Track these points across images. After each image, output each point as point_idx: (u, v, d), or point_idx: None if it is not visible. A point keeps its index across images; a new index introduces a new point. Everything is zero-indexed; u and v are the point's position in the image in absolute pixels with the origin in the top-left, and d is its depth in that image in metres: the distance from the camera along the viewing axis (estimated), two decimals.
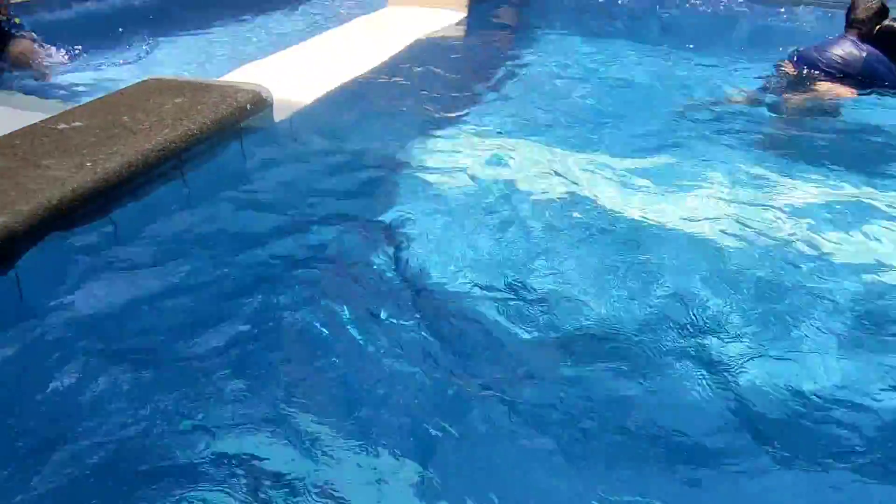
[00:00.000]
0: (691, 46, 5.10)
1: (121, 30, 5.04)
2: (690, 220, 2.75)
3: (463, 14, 5.44)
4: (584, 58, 4.73)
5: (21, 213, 2.06)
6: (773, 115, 3.92)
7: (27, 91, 3.91)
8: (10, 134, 2.60)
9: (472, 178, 2.99)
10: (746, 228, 2.69)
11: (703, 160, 3.26)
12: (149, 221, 2.50)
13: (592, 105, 3.87)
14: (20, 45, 4.08)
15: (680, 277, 2.39)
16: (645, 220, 2.77)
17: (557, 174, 3.07)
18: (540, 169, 3.10)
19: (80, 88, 3.97)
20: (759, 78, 4.27)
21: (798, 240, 2.64)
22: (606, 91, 4.12)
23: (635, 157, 3.28)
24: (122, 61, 4.47)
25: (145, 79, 3.19)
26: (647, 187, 3.01)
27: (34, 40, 4.19)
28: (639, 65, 4.66)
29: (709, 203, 2.88)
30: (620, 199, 2.89)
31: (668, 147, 3.39)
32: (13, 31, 4.16)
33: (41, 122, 2.73)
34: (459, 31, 5.15)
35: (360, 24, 5.06)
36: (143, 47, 4.72)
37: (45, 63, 4.14)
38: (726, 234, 2.67)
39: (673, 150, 3.36)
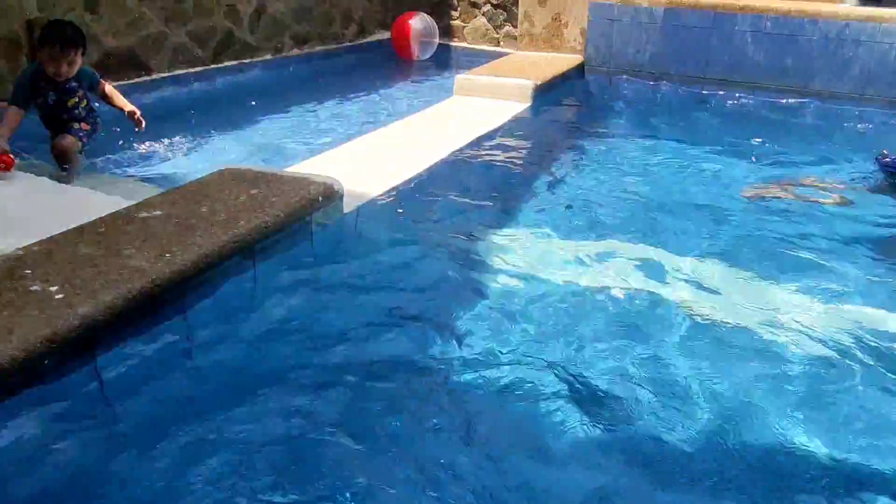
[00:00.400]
0: (759, 142, 5.10)
1: (192, 112, 5.29)
2: (768, 324, 2.72)
3: (527, 104, 5.55)
4: (647, 152, 4.77)
5: (103, 303, 2.14)
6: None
7: (108, 172, 4.12)
8: (95, 220, 2.72)
9: (538, 277, 3.01)
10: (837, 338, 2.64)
11: (779, 261, 3.24)
12: (219, 312, 2.56)
13: (657, 202, 3.86)
14: (68, 141, 3.94)
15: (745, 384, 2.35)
16: (711, 319, 2.75)
17: (621, 274, 3.08)
18: (604, 268, 3.11)
19: (158, 174, 4.15)
20: (855, 181, 4.24)
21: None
22: (671, 187, 4.11)
23: (706, 255, 3.27)
24: (196, 149, 4.67)
25: (221, 169, 3.32)
26: (717, 287, 2.99)
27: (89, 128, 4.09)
28: (705, 159, 4.67)
29: (791, 308, 2.85)
30: (689, 299, 2.87)
31: (740, 246, 3.37)
32: (77, 110, 4.01)
33: (124, 209, 2.85)
34: (523, 123, 5.24)
35: (428, 115, 5.20)
36: (216, 136, 4.92)
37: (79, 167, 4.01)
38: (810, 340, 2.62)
39: (744, 249, 3.35)
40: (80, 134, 4.03)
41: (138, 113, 4.19)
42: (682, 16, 6.38)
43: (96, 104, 4.22)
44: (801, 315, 2.78)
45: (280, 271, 2.83)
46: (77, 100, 4.01)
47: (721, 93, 6.33)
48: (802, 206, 3.90)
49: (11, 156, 3.57)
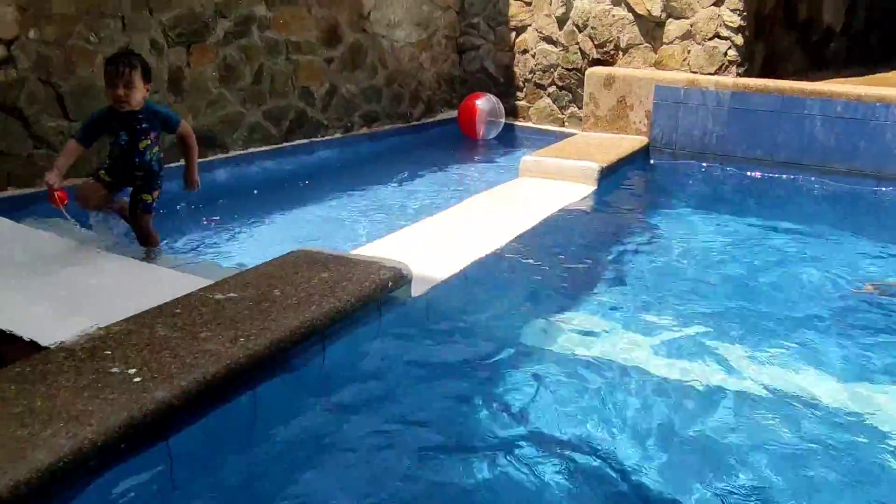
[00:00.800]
0: (834, 227, 4.97)
1: (265, 189, 5.44)
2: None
3: (593, 188, 5.55)
4: (718, 237, 4.70)
5: (179, 388, 2.18)
6: None
7: (183, 250, 4.25)
8: (172, 301, 2.80)
9: (609, 368, 2.97)
10: None
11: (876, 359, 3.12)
12: (288, 397, 2.59)
13: (733, 291, 3.79)
14: (144, 223, 4.02)
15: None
16: (803, 422, 2.66)
17: (692, 363, 3.02)
18: (677, 360, 3.05)
19: (231, 251, 4.27)
20: None
21: None
22: (749, 276, 4.02)
23: (787, 353, 3.16)
24: (268, 225, 4.81)
25: (293, 250, 3.40)
26: (801, 383, 2.90)
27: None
28: (785, 247, 4.56)
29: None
30: (766, 395, 2.79)
31: (825, 341, 3.26)
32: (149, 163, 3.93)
33: (200, 290, 2.93)
34: (590, 206, 5.25)
35: (494, 196, 5.25)
36: (288, 213, 5.06)
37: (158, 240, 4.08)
38: None
39: (831, 345, 3.23)
40: (151, 207, 4.03)
41: (198, 182, 4.17)
42: (749, 99, 6.37)
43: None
44: None
45: (348, 355, 2.85)
46: (149, 142, 3.91)
47: (790, 176, 6.25)
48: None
49: (65, 192, 3.60)
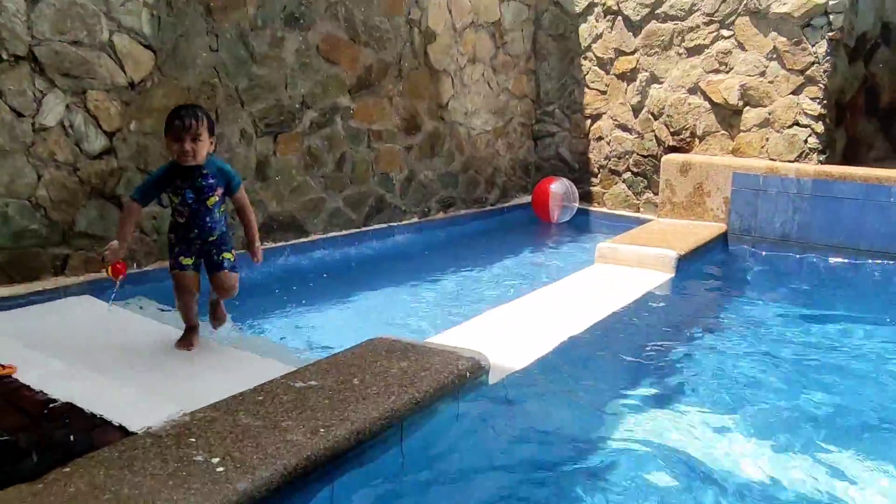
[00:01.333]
0: None
1: (343, 273, 5.55)
2: None
3: (670, 276, 5.48)
4: (802, 330, 4.57)
5: (262, 479, 2.21)
6: None
7: (261, 334, 4.35)
8: (254, 389, 2.86)
9: (686, 463, 2.89)
10: None
11: None
12: (366, 485, 2.59)
13: (814, 388, 3.66)
14: (233, 280, 3.74)
15: None
16: None
17: (777, 466, 2.90)
18: (760, 460, 2.94)
19: (309, 336, 4.34)
20: None
21: None
22: (832, 374, 3.87)
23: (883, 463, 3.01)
24: (345, 310, 4.89)
25: (372, 338, 3.44)
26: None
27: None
28: (873, 341, 4.39)
29: None
30: None
31: None
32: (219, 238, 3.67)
33: (281, 377, 2.98)
34: (668, 295, 5.17)
35: (570, 283, 5.23)
36: (365, 297, 5.15)
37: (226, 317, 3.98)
38: None
39: None
40: (236, 265, 3.75)
41: (259, 253, 3.79)
42: (831, 186, 6.27)
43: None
44: None
45: (426, 445, 2.84)
46: (217, 199, 3.63)
47: (874, 264, 6.06)
48: None
49: (124, 263, 3.47)
